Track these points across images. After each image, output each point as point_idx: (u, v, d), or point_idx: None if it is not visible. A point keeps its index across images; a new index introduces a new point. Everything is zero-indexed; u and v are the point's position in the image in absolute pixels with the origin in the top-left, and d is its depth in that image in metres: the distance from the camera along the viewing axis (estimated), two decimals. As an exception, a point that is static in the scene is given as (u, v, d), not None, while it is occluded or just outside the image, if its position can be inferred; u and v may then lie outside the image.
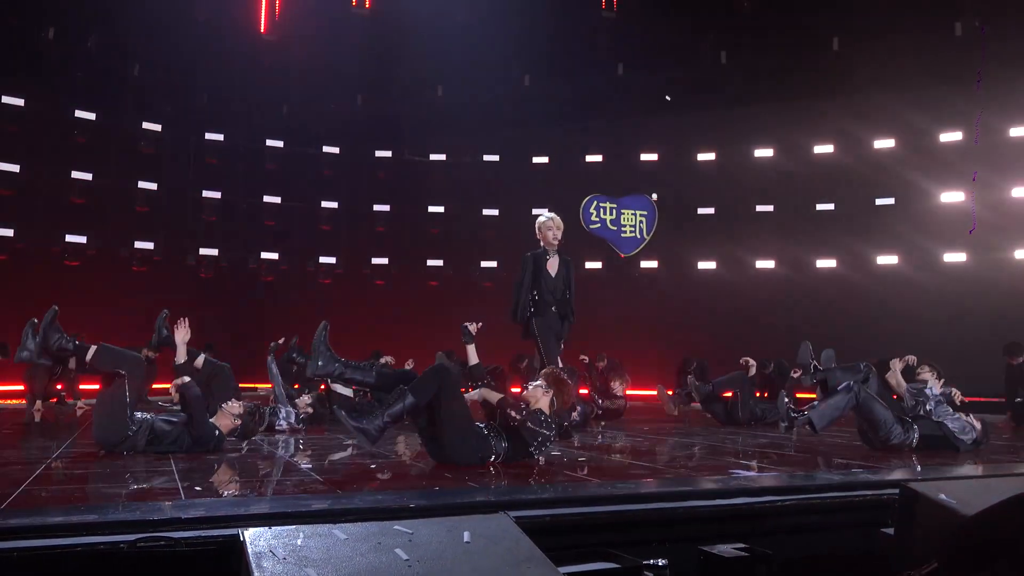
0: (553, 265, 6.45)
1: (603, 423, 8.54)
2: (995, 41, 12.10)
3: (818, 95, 13.37)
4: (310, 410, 7.52)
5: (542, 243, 6.51)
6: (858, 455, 5.28)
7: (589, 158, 15.16)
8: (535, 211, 15.03)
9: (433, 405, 4.40)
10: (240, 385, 9.11)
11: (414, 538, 2.21)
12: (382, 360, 11.42)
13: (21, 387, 10.22)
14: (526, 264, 6.48)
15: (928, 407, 5.69)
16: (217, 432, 5.19)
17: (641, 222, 14.71)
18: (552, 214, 6.57)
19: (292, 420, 7.05)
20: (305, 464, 4.78)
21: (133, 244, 13.50)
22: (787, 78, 13.28)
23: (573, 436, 6.23)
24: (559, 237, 6.46)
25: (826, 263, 13.66)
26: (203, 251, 14.25)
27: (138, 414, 5.04)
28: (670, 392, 9.71)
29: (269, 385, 10.13)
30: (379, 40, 13.95)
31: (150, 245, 13.68)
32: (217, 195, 14.42)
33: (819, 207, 13.76)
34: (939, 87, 12.60)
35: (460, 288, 14.91)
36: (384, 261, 15.31)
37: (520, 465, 4.49)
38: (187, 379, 5.18)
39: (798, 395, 9.29)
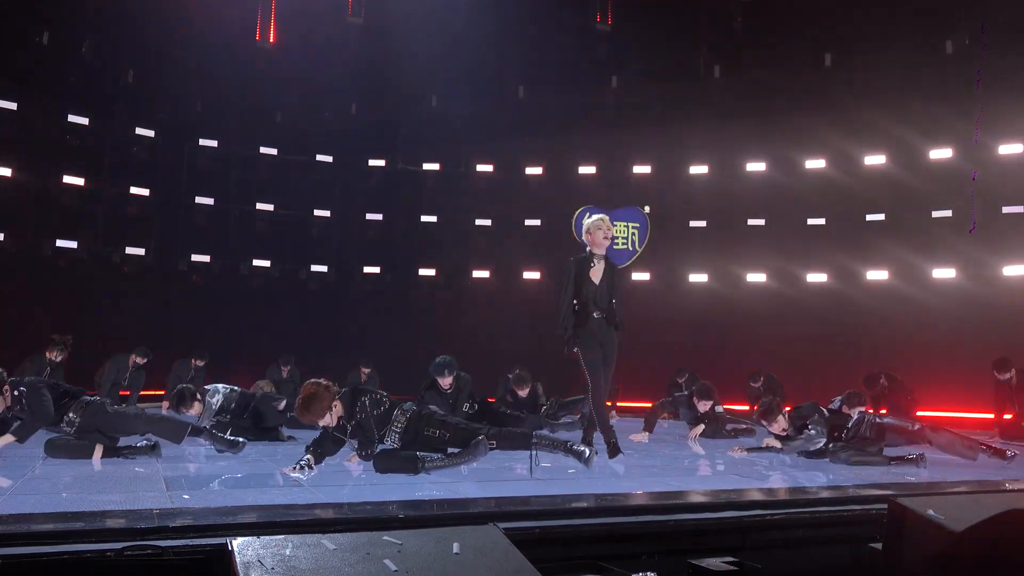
0: (597, 272, 6.05)
1: None
2: (985, 58, 12.21)
3: (810, 110, 13.44)
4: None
5: (588, 246, 6.12)
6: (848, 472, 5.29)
7: (582, 170, 15.17)
8: (527, 222, 15.26)
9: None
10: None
11: (403, 549, 2.20)
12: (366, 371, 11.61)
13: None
14: (568, 271, 6.10)
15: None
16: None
17: (633, 234, 14.74)
18: (603, 214, 6.10)
19: None
20: (295, 473, 4.76)
21: (124, 249, 13.43)
22: (780, 93, 13.34)
23: None
24: (609, 238, 6.13)
25: (816, 277, 13.70)
26: (195, 257, 14.19)
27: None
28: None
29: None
30: (374, 49, 13.93)
31: (141, 251, 13.61)
32: (210, 201, 14.38)
33: (810, 222, 13.81)
34: (930, 104, 12.70)
35: (452, 298, 14.90)
36: (376, 270, 15.29)
37: (510, 477, 4.48)
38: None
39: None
